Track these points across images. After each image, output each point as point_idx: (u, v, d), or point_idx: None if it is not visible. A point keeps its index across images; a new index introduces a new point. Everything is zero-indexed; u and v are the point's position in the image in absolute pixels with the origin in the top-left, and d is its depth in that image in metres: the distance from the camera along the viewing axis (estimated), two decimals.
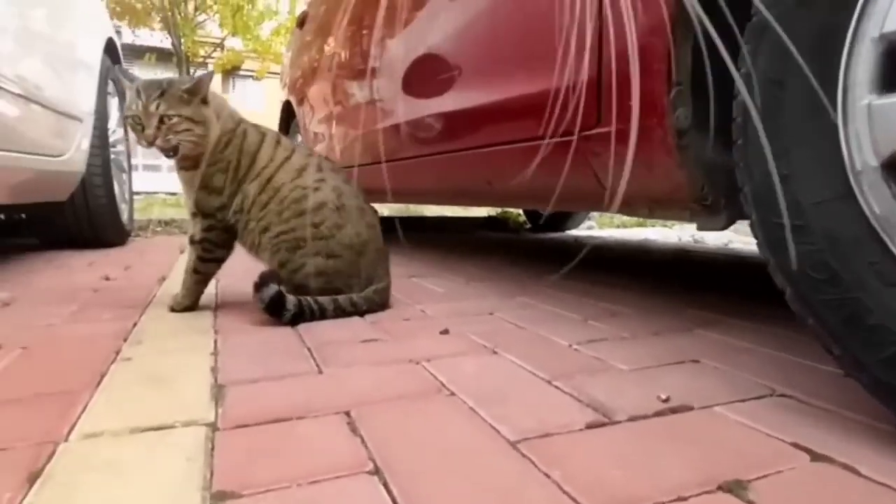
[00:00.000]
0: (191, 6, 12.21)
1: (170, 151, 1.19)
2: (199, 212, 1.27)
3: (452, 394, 0.74)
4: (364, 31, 2.50)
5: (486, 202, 1.73)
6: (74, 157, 2.31)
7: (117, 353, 0.92)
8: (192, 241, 1.30)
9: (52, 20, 2.24)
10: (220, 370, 0.83)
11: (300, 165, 1.26)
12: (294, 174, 1.25)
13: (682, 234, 3.88)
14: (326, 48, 3.00)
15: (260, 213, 1.24)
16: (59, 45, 2.30)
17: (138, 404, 0.70)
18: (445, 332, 1.07)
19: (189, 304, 1.26)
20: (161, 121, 1.16)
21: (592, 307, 1.33)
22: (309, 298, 1.16)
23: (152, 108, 1.15)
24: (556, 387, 0.77)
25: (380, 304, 1.29)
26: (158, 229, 3.77)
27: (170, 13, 11.72)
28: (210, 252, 1.28)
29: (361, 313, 1.23)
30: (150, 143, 1.16)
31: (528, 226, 4.27)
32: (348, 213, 1.26)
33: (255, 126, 1.32)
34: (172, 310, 1.25)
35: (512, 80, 1.24)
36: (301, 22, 3.30)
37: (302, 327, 1.11)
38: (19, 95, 1.85)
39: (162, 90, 1.17)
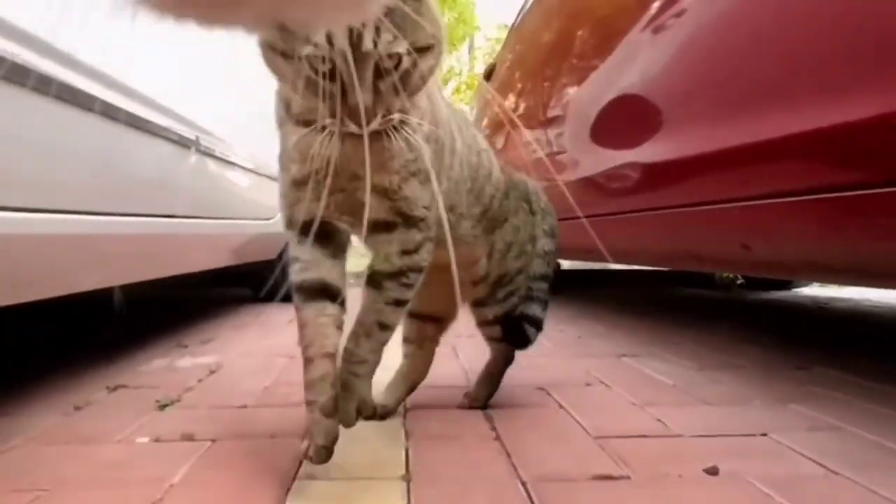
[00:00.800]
0: None
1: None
2: (405, 218, 0.73)
3: None
4: (546, 83, 2.34)
5: (732, 268, 1.35)
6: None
7: (299, 464, 0.78)
8: (329, 284, 0.75)
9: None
10: None
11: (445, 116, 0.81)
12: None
13: None
14: (507, 102, 2.94)
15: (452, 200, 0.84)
16: None
17: None
18: (713, 471, 0.74)
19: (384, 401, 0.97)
20: (379, 71, 0.59)
21: None
22: (533, 308, 1.01)
23: (368, 42, 0.56)
24: None
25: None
26: (351, 281, 3.97)
27: None
28: (411, 288, 0.77)
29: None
30: (370, 119, 0.59)
31: (741, 281, 3.59)
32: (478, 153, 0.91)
33: None
34: (381, 418, 0.96)
35: (794, 111, 0.89)
36: (488, 74, 3.27)
37: (508, 438, 0.87)
38: (250, 170, 2.03)
39: None
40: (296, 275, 0.73)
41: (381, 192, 0.70)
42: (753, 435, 0.89)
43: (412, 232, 0.74)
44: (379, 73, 0.58)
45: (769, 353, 1.52)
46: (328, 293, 0.73)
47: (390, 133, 0.63)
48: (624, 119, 1.63)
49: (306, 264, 0.73)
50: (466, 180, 0.86)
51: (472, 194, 0.88)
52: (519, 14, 2.93)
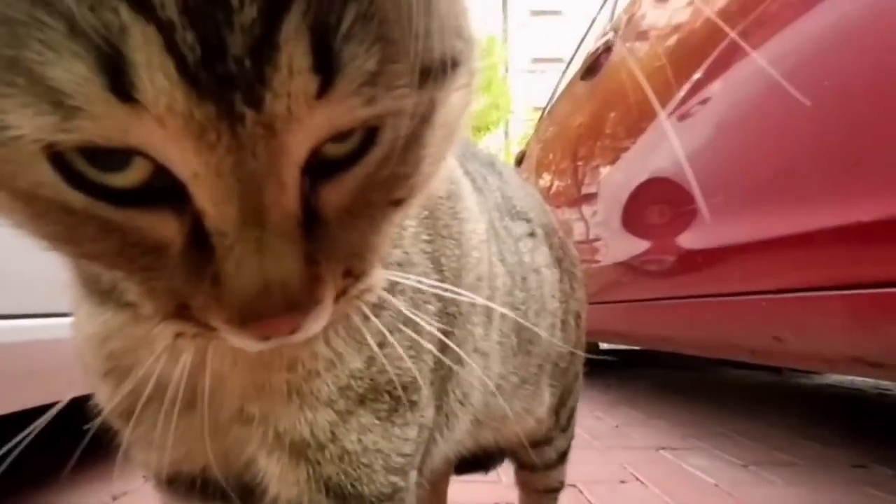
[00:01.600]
0: None
1: None
2: (346, 500, 0.37)
3: None
4: (579, 163, 2.41)
5: (767, 359, 1.31)
6: None
7: None
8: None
9: None
10: None
11: None
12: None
13: None
14: (541, 181, 3.03)
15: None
16: None
17: None
18: None
19: None
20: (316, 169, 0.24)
21: None
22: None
23: (279, 85, 0.19)
24: None
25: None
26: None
27: None
28: None
29: None
30: (303, 313, 0.24)
31: None
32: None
33: None
34: None
35: (826, 205, 0.90)
36: (519, 161, 3.40)
37: None
38: None
39: None
40: None
41: (292, 445, 0.35)
42: None
43: None
44: (313, 176, 0.23)
45: (824, 448, 1.42)
46: None
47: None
48: (651, 204, 1.66)
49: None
50: (510, 335, 0.55)
51: (520, 353, 0.57)
52: (551, 98, 3.08)
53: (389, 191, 0.24)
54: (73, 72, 0.17)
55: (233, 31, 0.18)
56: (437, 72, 0.22)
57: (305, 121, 0.20)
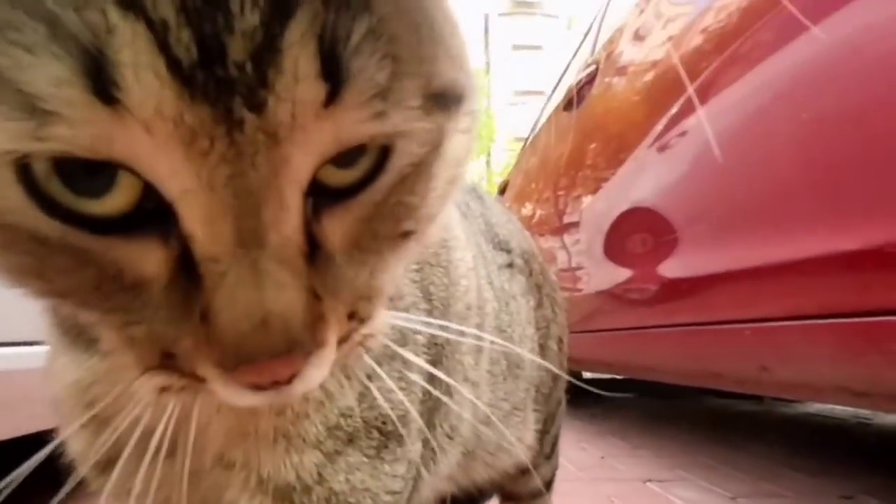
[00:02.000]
0: None
1: None
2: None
3: None
4: (561, 192, 2.45)
5: (753, 388, 1.31)
6: None
7: None
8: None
9: None
10: None
11: None
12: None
13: None
14: (523, 210, 3.06)
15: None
16: None
17: None
18: None
19: None
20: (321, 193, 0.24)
21: None
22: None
23: (281, 90, 0.18)
24: None
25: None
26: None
27: None
28: None
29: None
30: (300, 357, 0.22)
31: None
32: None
33: None
34: None
35: (809, 234, 0.92)
36: (502, 190, 3.44)
37: None
38: None
39: None
40: None
41: (276, 490, 0.34)
42: None
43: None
44: (317, 201, 0.21)
45: (810, 479, 1.42)
46: None
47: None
48: (633, 233, 1.68)
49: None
50: (499, 360, 0.55)
51: (510, 378, 0.57)
52: (533, 129, 3.13)
53: (397, 222, 0.22)
54: (50, 74, 0.16)
55: (233, 34, 0.17)
56: (444, 99, 0.21)
57: (311, 131, 0.18)
